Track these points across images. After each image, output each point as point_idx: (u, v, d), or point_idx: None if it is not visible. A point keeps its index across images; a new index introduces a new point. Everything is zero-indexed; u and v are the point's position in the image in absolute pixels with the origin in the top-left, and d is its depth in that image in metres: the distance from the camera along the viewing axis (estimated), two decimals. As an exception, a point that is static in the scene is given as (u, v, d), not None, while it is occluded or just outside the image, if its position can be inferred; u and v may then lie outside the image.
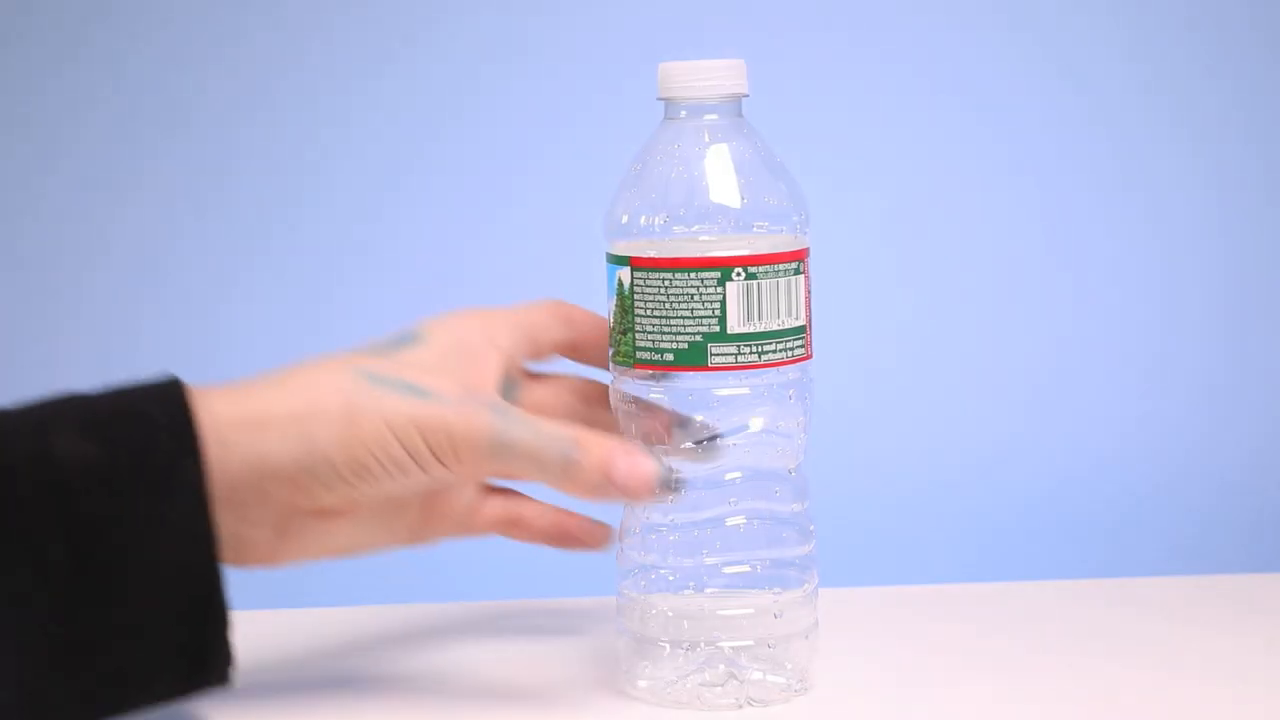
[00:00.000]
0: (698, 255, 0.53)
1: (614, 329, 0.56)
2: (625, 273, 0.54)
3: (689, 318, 0.53)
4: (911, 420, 0.90)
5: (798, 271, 0.55)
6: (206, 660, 0.49)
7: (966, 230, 0.91)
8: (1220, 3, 0.91)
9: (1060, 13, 0.91)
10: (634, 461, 0.51)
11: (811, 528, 0.57)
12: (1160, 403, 0.92)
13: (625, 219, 0.56)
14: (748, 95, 0.56)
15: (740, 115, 0.57)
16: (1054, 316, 0.92)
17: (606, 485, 0.51)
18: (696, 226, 0.55)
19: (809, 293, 0.56)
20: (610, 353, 0.56)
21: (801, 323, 0.55)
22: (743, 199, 0.55)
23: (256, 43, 0.90)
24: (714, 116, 0.56)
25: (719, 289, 0.53)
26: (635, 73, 0.61)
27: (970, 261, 0.92)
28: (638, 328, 0.54)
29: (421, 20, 0.90)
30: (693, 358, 0.53)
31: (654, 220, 0.55)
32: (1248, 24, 0.91)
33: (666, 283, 0.53)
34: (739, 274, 0.53)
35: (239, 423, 0.49)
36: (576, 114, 0.90)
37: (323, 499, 0.51)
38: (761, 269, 0.53)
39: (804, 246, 0.56)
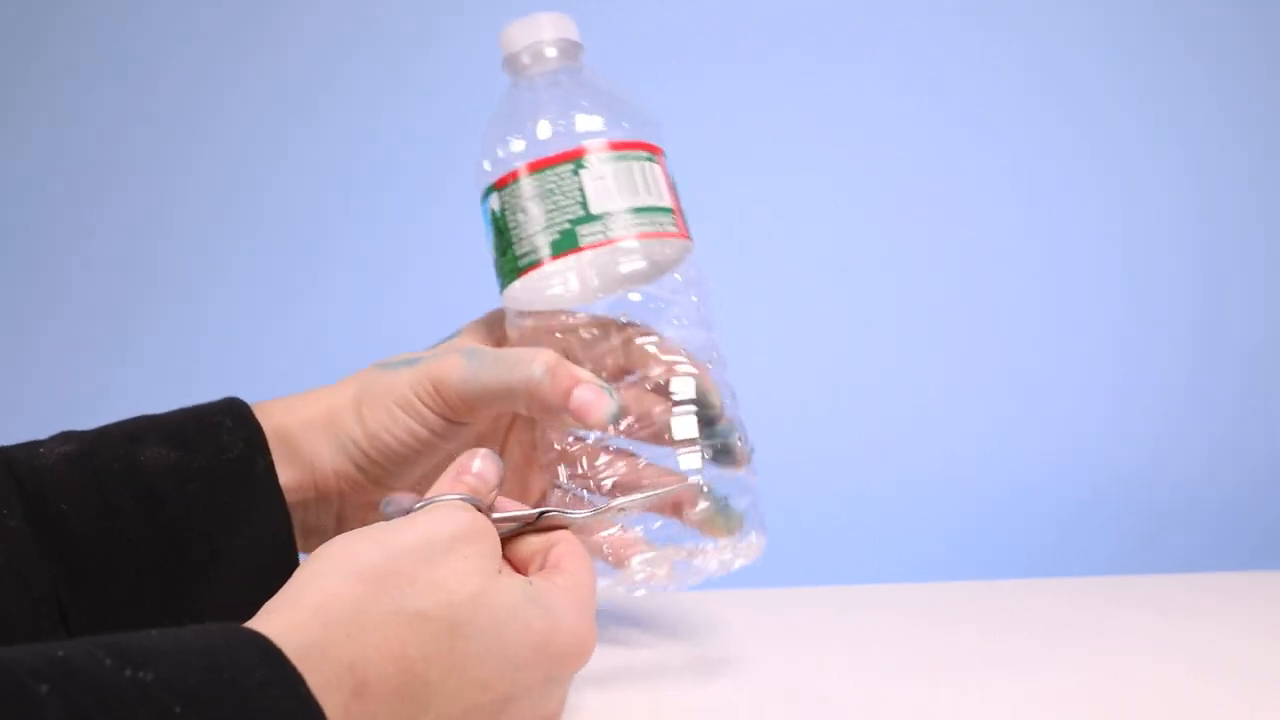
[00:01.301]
0: (550, 154, 0.55)
1: (497, 262, 0.57)
2: (494, 199, 0.56)
3: (555, 210, 0.55)
4: (881, 422, 0.92)
5: (651, 159, 0.56)
6: None
7: (940, 233, 0.92)
8: (1198, 4, 0.92)
9: (1038, 14, 0.91)
10: (594, 393, 0.53)
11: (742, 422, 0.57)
12: (1126, 407, 0.93)
13: (488, 165, 0.58)
14: (580, 44, 0.59)
15: (579, 59, 0.59)
16: (1052, 318, 0.93)
17: (564, 410, 0.53)
18: (550, 139, 0.56)
19: (671, 184, 0.57)
20: (500, 287, 0.57)
21: (667, 204, 0.56)
22: (591, 112, 0.57)
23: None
24: (553, 53, 0.58)
25: (575, 177, 0.55)
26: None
27: (944, 265, 0.92)
28: (514, 237, 0.56)
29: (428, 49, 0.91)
30: (566, 244, 0.55)
31: (510, 148, 0.57)
32: (1226, 28, 0.92)
33: (529, 188, 0.55)
34: (591, 160, 0.55)
35: (294, 428, 0.55)
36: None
37: (367, 490, 0.56)
38: (612, 154, 0.56)
39: (658, 146, 0.57)
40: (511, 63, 0.59)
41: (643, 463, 0.55)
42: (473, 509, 0.48)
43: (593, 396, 0.53)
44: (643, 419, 0.55)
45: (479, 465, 0.51)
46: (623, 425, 0.54)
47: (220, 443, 0.53)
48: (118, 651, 0.37)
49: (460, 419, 0.56)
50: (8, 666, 0.34)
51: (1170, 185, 0.92)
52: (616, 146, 0.56)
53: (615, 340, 0.56)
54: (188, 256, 0.91)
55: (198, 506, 0.52)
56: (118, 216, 0.91)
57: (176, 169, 0.91)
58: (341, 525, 0.56)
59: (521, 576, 0.48)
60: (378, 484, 0.56)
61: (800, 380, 0.90)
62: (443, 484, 0.50)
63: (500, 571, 0.47)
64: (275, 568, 0.52)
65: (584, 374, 0.54)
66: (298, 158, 0.91)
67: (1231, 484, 0.92)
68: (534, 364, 0.53)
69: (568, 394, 0.53)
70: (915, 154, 0.91)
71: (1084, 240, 0.93)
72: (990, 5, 0.91)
